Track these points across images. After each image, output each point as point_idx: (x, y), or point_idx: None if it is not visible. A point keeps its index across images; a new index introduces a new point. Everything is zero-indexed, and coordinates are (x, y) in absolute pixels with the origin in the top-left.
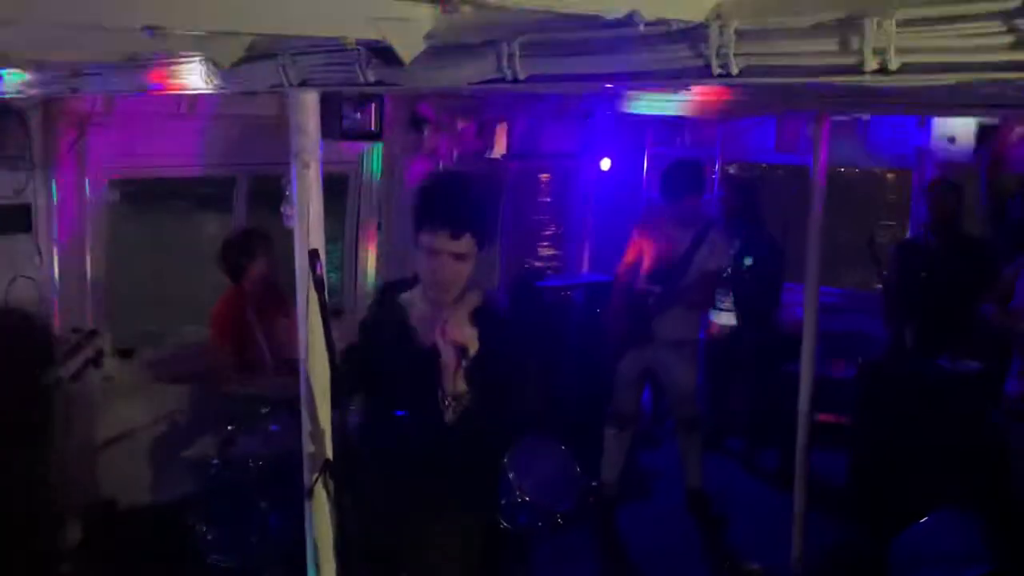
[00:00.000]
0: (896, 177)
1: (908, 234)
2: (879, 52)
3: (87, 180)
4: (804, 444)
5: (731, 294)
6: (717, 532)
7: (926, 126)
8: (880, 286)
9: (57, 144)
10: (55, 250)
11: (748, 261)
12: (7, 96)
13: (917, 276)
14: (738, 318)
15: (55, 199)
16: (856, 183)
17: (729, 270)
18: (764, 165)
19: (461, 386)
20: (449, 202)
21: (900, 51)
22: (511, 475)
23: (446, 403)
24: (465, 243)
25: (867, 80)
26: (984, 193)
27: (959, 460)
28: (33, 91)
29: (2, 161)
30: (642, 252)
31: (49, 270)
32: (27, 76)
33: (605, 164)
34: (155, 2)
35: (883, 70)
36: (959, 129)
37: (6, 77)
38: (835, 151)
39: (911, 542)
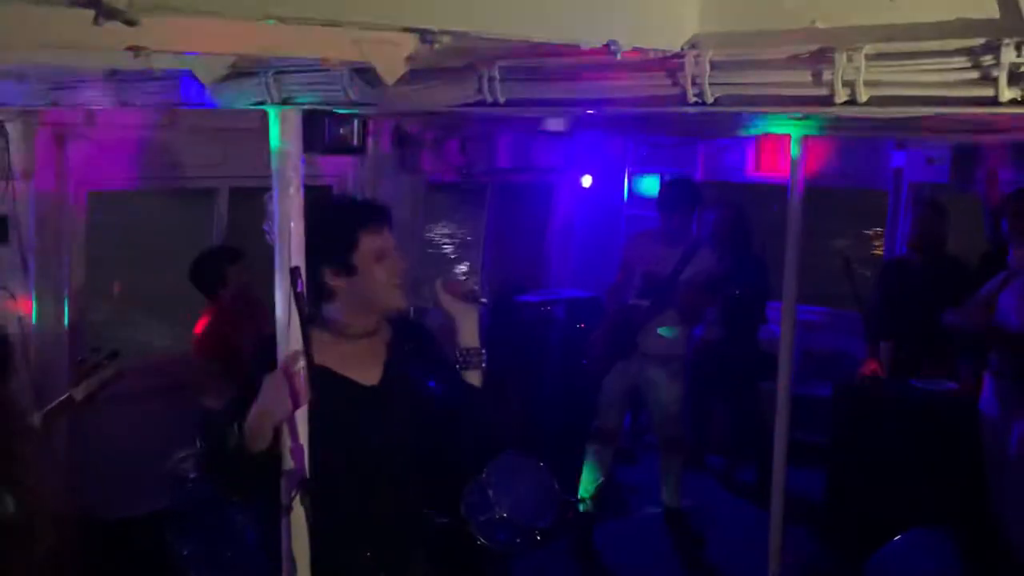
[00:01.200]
0: (874, 197)
1: (883, 255)
2: (848, 84)
3: (67, 192)
4: (781, 462)
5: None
6: (694, 550)
7: (903, 147)
8: (857, 307)
9: (37, 156)
10: (32, 262)
11: (735, 279)
12: None
13: (899, 295)
14: (723, 335)
15: (34, 210)
16: (834, 203)
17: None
18: (743, 184)
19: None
20: (368, 201)
21: (869, 84)
22: (489, 492)
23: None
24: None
25: (837, 111)
26: (987, 214)
27: (934, 479)
28: (11, 103)
29: None
30: (632, 269)
31: (28, 281)
32: (5, 87)
33: (586, 181)
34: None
35: (852, 101)
36: (936, 150)
37: None
38: (812, 171)
39: (886, 560)
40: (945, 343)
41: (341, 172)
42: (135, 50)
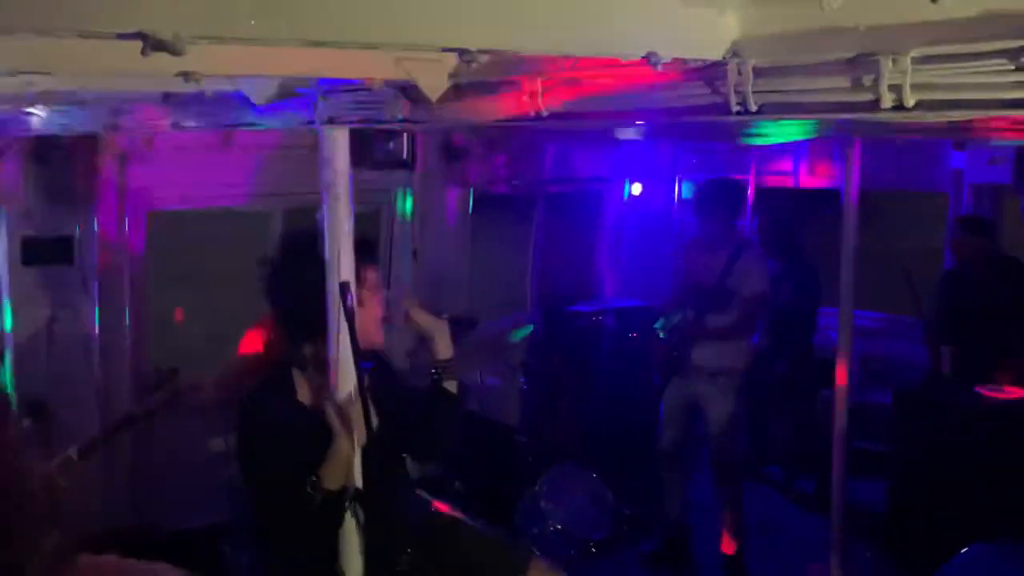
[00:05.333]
0: (932, 200)
1: (944, 258)
2: (895, 88)
3: (128, 213)
4: (841, 471)
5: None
6: None
7: (963, 147)
8: (917, 313)
9: (99, 179)
10: (95, 282)
11: (784, 286)
12: (51, 134)
13: (961, 304)
14: (773, 344)
15: (96, 232)
16: (890, 206)
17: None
18: (798, 190)
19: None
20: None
21: (916, 87)
22: (543, 504)
23: None
24: None
25: (883, 117)
26: None
27: (1001, 489)
28: (75, 128)
29: (48, 195)
30: (683, 279)
31: (91, 302)
32: (69, 113)
33: (636, 189)
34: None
35: (900, 106)
36: (998, 150)
37: (48, 115)
38: (868, 174)
39: (953, 573)
40: (1013, 350)
41: (390, 188)
42: (186, 75)
